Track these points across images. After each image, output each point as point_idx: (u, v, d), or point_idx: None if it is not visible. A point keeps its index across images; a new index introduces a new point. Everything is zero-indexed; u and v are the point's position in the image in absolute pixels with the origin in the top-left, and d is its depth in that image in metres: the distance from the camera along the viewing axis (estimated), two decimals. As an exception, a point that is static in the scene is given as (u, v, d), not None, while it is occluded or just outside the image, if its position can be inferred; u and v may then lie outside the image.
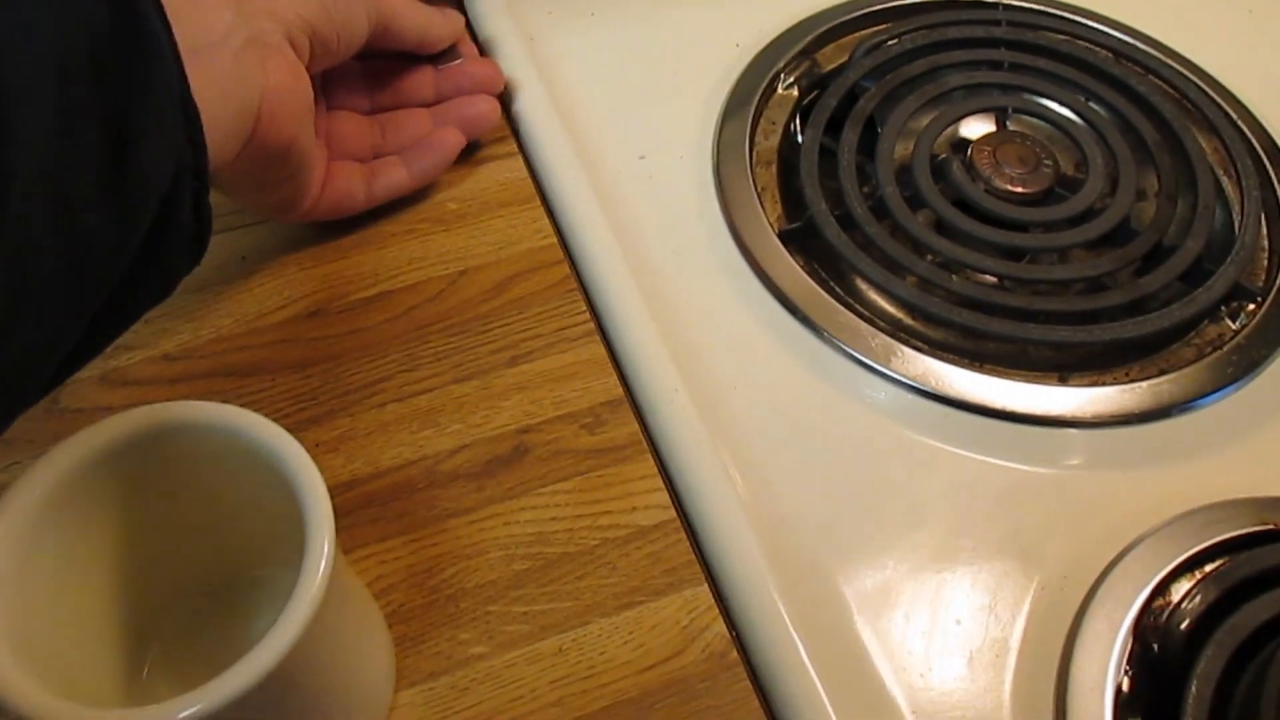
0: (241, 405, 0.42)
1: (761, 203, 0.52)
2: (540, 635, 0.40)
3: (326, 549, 0.30)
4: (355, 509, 0.43)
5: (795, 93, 0.57)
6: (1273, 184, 0.54)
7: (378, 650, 0.38)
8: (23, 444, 0.45)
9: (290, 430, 0.43)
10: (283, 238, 0.51)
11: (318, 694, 0.33)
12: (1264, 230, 0.53)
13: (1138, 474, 0.45)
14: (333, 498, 0.41)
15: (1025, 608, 0.41)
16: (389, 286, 0.49)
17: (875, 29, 0.59)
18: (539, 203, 0.52)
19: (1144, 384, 0.47)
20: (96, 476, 0.32)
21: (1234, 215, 0.53)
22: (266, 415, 0.44)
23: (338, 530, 0.32)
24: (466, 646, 0.40)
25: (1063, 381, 0.47)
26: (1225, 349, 0.48)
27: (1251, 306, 0.50)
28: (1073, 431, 0.46)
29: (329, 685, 0.34)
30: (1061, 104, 0.56)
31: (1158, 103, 0.55)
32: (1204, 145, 0.55)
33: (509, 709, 0.38)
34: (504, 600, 0.41)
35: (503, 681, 0.39)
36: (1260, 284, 0.50)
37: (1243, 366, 0.47)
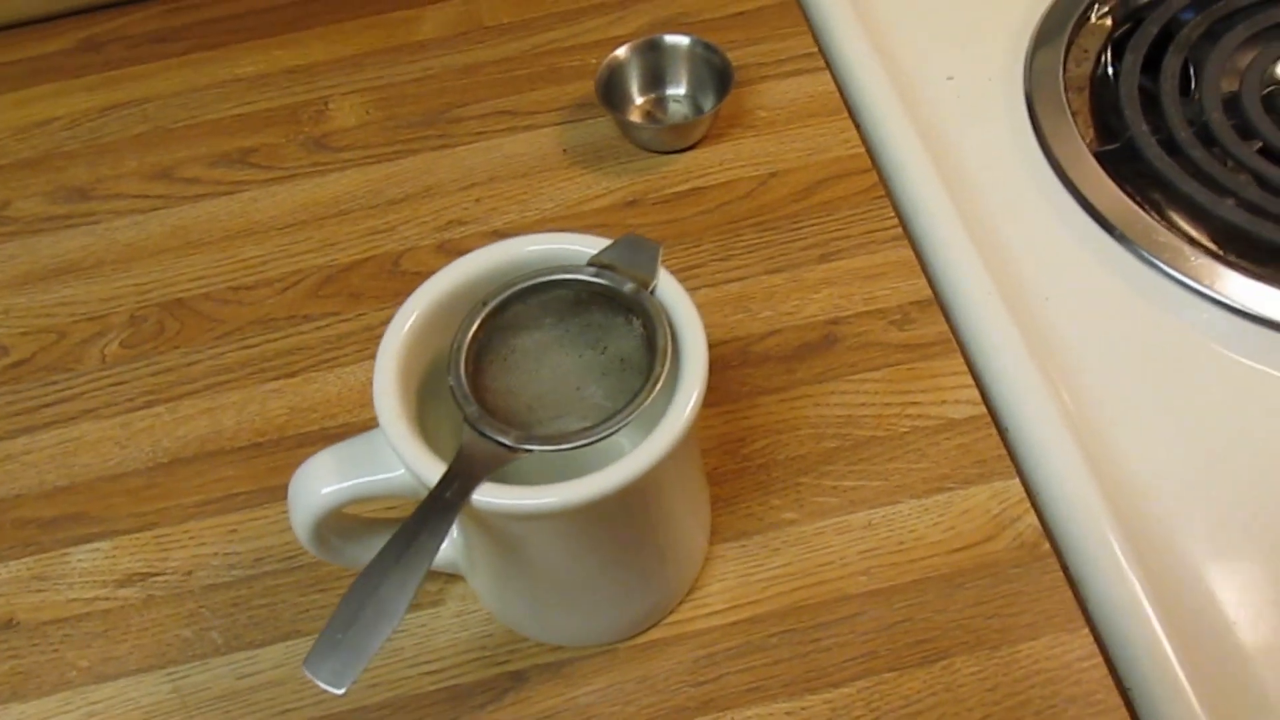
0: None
1: (1076, 125, 0.51)
2: (850, 509, 0.41)
3: (702, 374, 0.32)
4: (671, 380, 0.45)
5: (1109, 23, 0.56)
6: None
7: (702, 500, 0.40)
8: (369, 299, 0.49)
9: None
10: (601, 134, 0.53)
11: (659, 521, 0.35)
12: None
13: None
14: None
15: (1358, 536, 0.40)
16: (701, 184, 0.51)
17: (1198, -38, 0.58)
18: (846, 115, 0.53)
19: None
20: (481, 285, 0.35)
21: None
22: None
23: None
24: (778, 511, 0.41)
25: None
26: None
27: None
28: None
29: (668, 515, 0.36)
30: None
31: None
32: None
33: (818, 572, 0.40)
34: (814, 474, 0.42)
35: (813, 547, 0.40)
36: None
37: None
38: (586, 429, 0.31)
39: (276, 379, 0.47)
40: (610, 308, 0.34)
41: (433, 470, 0.31)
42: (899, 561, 0.40)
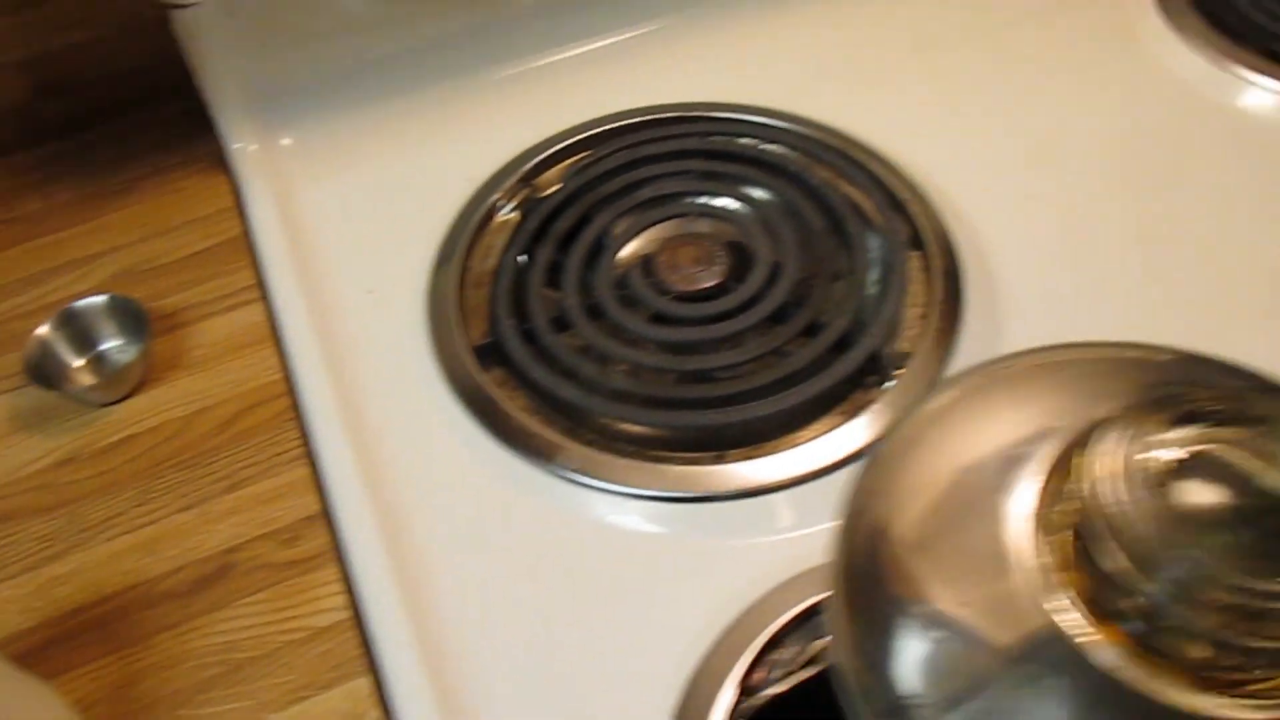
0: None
1: (466, 323, 0.58)
2: (220, 732, 0.46)
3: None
4: (79, 634, 0.49)
5: (517, 217, 0.64)
6: (938, 253, 0.59)
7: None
8: None
9: (31, 569, 0.50)
10: (47, 395, 0.58)
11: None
12: (928, 300, 0.58)
13: (769, 539, 0.50)
14: (59, 626, 0.49)
15: (648, 673, 0.47)
16: (135, 430, 0.57)
17: (587, 153, 0.66)
18: (273, 343, 0.60)
19: (789, 453, 0.52)
20: None
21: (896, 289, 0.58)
22: (13, 558, 0.52)
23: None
24: (154, 748, 0.46)
25: (720, 460, 0.53)
26: (862, 416, 0.53)
27: (900, 372, 0.55)
28: (721, 504, 0.51)
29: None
30: (742, 202, 0.62)
31: (828, 193, 0.61)
32: (881, 223, 0.60)
33: (182, 800, 0.45)
34: (192, 705, 0.47)
35: (182, 777, 0.45)
36: (907, 352, 0.56)
37: (874, 431, 0.53)
38: None
39: None
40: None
41: None
42: (253, 776, 0.45)
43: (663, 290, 0.58)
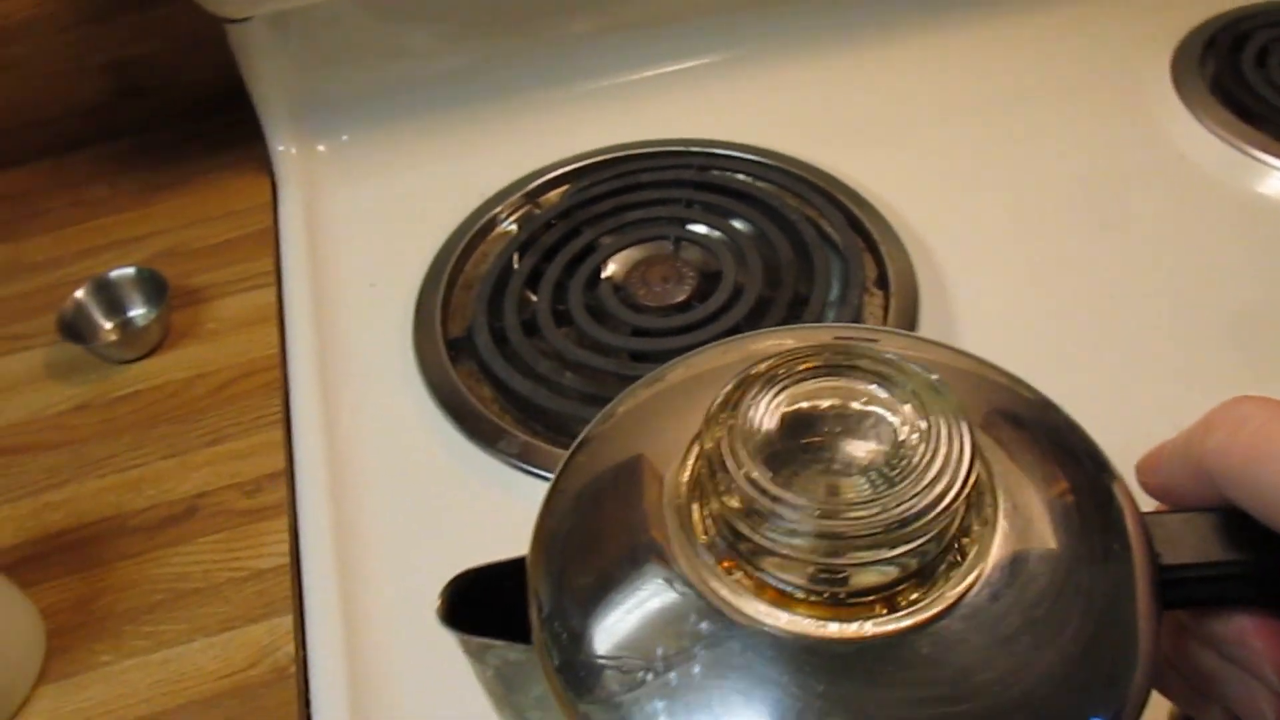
0: (1, 478, 0.57)
1: (448, 318, 0.63)
2: (155, 649, 0.51)
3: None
4: (57, 553, 0.55)
5: (515, 229, 0.69)
6: (899, 295, 0.61)
7: (13, 649, 0.49)
8: None
9: (32, 495, 0.57)
10: (71, 353, 0.65)
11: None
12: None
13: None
14: (43, 544, 0.55)
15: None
16: (141, 387, 0.63)
17: (591, 177, 0.71)
18: (276, 322, 0.66)
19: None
20: None
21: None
22: (19, 485, 0.58)
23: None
24: (97, 655, 0.51)
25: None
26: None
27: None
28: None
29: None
30: (720, 231, 0.66)
31: (802, 227, 0.64)
32: (850, 260, 0.63)
33: (112, 701, 0.49)
34: (138, 622, 0.52)
35: (115, 683, 0.50)
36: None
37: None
38: None
39: None
40: None
41: None
42: (174, 690, 0.49)
43: (630, 304, 0.62)
